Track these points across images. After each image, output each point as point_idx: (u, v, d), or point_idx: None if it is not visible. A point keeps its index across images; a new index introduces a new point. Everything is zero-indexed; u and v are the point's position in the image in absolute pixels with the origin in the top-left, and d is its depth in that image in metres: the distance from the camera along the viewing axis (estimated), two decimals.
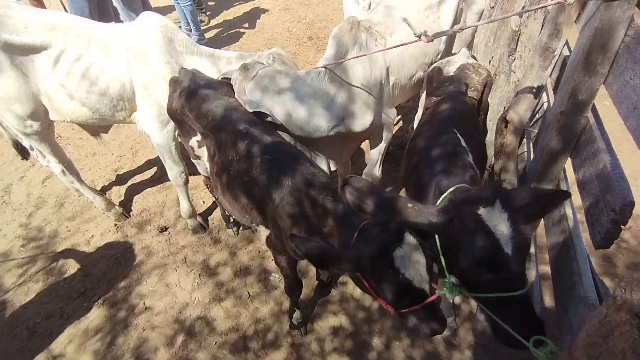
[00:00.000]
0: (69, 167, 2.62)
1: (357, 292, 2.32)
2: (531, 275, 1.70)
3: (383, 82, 2.03)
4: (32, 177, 3.29)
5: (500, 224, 1.04)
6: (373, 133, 2.19)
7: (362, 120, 1.97)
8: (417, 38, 1.29)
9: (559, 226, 1.49)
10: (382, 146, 2.26)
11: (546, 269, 1.92)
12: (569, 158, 1.47)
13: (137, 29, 2.17)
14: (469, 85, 1.88)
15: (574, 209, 1.49)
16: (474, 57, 2.12)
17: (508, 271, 1.04)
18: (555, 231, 1.52)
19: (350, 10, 2.75)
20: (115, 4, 3.83)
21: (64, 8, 3.99)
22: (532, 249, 1.82)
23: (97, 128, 2.62)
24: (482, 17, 2.50)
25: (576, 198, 1.29)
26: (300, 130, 1.87)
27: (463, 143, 1.49)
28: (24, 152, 2.73)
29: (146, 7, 3.99)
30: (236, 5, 6.05)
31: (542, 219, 1.65)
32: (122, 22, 3.76)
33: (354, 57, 1.85)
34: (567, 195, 1.12)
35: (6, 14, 2.04)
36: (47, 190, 3.16)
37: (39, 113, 2.26)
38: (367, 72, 1.93)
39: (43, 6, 4.49)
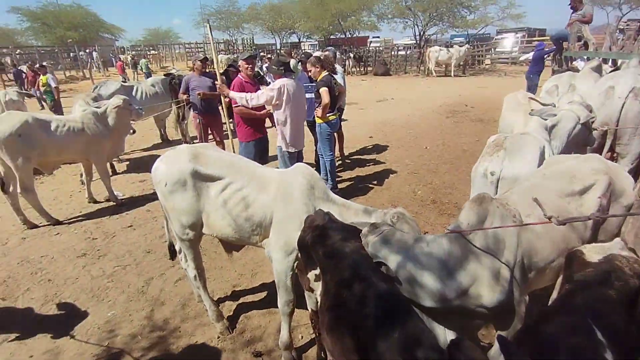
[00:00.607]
0: (201, 274, 3.02)
1: None
2: None
3: (517, 261, 1.91)
4: (169, 276, 3.82)
5: None
6: (500, 316, 1.96)
7: (487, 298, 1.83)
8: (547, 219, 1.30)
9: None
10: (510, 332, 1.99)
11: None
12: None
13: (289, 174, 2.67)
14: (618, 279, 1.67)
15: None
16: (634, 251, 1.90)
17: None
18: None
19: (479, 182, 2.90)
20: (279, 159, 4.80)
21: (233, 150, 5.20)
22: None
23: (232, 246, 3.03)
24: (631, 209, 2.35)
25: None
26: (417, 295, 1.84)
27: (600, 337, 1.28)
28: (172, 254, 3.30)
29: (300, 159, 4.87)
30: (369, 165, 6.89)
31: None
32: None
33: (487, 228, 1.85)
34: None
35: (204, 152, 2.75)
36: (176, 290, 3.60)
37: (197, 225, 2.77)
38: (500, 247, 1.87)
39: (224, 148, 5.94)
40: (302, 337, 2.98)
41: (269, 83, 6.51)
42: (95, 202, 5.76)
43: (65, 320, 3.26)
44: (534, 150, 2.84)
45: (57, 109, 9.24)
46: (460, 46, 21.64)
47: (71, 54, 27.98)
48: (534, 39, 25.86)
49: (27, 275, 3.95)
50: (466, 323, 1.98)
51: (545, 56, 10.37)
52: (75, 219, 5.25)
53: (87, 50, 28.66)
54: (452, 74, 20.54)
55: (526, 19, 24.72)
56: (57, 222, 5.10)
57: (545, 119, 3.23)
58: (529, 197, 2.09)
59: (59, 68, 25.56)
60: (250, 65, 4.86)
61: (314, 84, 5.28)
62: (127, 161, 7.82)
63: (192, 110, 6.63)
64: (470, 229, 1.86)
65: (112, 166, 7.14)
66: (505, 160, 2.79)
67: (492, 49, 25.71)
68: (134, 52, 30.90)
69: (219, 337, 2.98)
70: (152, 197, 5.75)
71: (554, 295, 1.86)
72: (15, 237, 4.79)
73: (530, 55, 11.04)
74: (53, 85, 9.29)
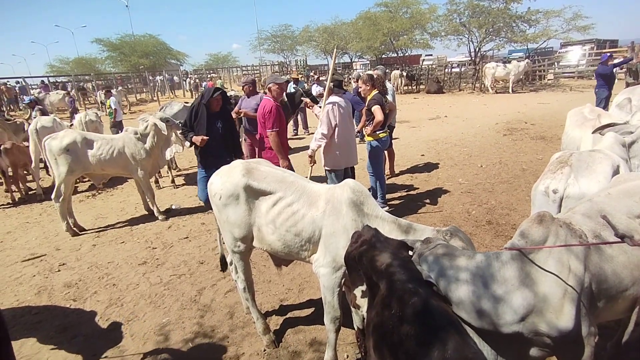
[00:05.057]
0: (250, 286, 3.09)
1: None
2: None
3: (583, 287, 1.72)
4: (220, 287, 3.95)
5: None
6: (565, 348, 1.77)
7: (550, 325, 1.66)
8: (619, 239, 1.18)
9: None
10: None
11: None
12: None
13: (339, 189, 2.65)
14: None
15: None
16: None
17: None
18: None
19: (539, 201, 2.71)
20: (329, 180, 4.84)
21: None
22: None
23: (281, 260, 3.07)
24: None
25: None
26: (468, 316, 1.74)
27: None
28: (224, 266, 3.43)
29: (346, 177, 4.87)
30: (420, 183, 6.71)
31: None
32: None
33: (551, 247, 1.71)
34: None
35: (256, 168, 2.84)
36: (226, 301, 3.70)
37: (248, 239, 2.84)
38: (565, 270, 1.70)
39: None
40: (347, 356, 2.90)
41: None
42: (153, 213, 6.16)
43: (126, 323, 3.48)
44: (606, 168, 2.60)
45: (117, 128, 10.19)
46: (518, 61, 20.71)
47: (151, 79, 30.41)
48: (604, 50, 24.06)
49: (95, 279, 4.29)
50: (525, 352, 1.82)
51: (614, 69, 9.67)
52: (138, 229, 5.65)
53: (161, 77, 31.09)
54: (510, 91, 19.62)
55: (594, 30, 22.93)
56: (76, 234, 5.54)
57: (624, 136, 2.97)
58: (594, 218, 1.90)
59: (132, 91, 28.16)
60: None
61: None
62: (185, 176, 8.31)
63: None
64: (530, 247, 1.73)
65: (173, 180, 7.63)
66: (570, 178, 2.59)
67: (556, 63, 24.23)
68: (196, 76, 33.16)
69: (264, 350, 3.00)
70: (207, 210, 6.04)
71: (630, 328, 1.66)
72: (87, 244, 5.25)
73: None
74: (114, 107, 10.38)
